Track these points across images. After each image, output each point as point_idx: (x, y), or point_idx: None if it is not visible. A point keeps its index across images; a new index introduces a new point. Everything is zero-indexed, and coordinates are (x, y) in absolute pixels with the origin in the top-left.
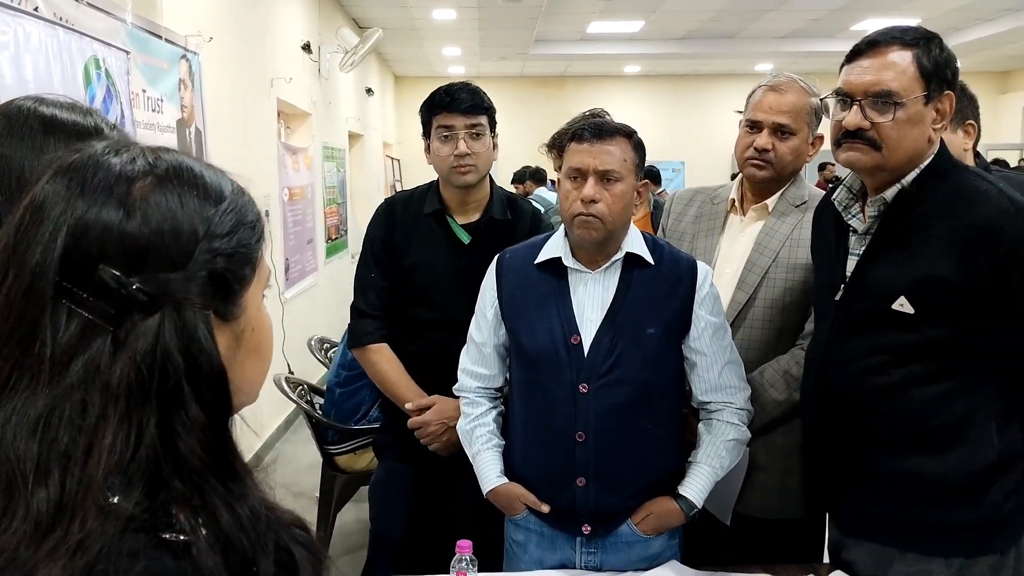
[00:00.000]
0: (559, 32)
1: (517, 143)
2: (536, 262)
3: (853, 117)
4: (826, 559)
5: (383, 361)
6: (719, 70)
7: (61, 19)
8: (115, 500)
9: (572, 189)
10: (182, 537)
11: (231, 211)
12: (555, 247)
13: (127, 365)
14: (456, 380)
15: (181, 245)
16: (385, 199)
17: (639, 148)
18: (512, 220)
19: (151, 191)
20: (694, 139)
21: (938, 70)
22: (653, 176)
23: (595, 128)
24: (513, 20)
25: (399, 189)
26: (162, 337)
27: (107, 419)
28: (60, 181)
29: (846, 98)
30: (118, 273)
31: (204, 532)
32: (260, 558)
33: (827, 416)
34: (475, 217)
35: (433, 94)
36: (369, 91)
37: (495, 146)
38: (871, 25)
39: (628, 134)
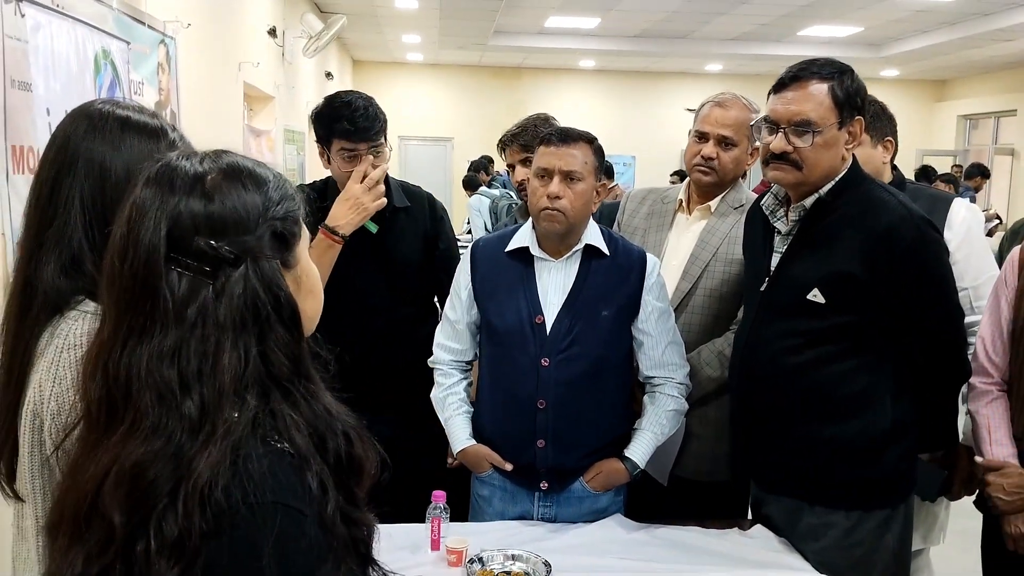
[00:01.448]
0: (518, 24)
1: (472, 131)
2: (506, 250)
3: (778, 143)
4: (749, 516)
5: None
6: (671, 68)
7: (58, 6)
8: (237, 413)
9: (540, 186)
10: (283, 444)
11: (277, 188)
12: (523, 238)
13: (228, 306)
14: (378, 359)
15: (250, 217)
16: None
17: (599, 153)
18: (410, 205)
19: (220, 183)
20: (645, 134)
21: (850, 99)
22: (606, 171)
23: (561, 134)
24: (474, 11)
25: None
26: (249, 282)
27: (222, 345)
28: (151, 186)
29: (773, 125)
30: (210, 240)
31: (297, 419)
32: (329, 438)
33: (750, 389)
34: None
35: (333, 115)
36: (329, 75)
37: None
38: (817, 31)
39: (590, 140)
